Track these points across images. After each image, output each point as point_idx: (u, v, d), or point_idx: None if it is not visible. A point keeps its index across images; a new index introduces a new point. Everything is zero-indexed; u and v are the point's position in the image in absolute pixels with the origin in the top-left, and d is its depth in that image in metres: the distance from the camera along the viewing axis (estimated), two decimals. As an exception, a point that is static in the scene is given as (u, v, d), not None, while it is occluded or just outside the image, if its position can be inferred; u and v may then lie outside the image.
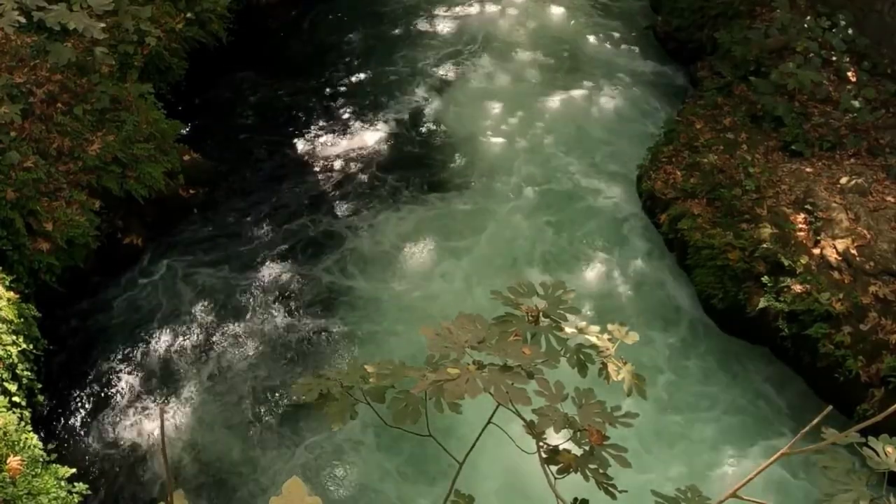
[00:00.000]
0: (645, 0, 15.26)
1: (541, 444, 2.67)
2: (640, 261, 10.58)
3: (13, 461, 6.51)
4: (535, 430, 2.64)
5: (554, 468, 2.66)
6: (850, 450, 2.54)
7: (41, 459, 7.07)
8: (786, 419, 8.88)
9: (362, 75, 13.63)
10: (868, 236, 9.23)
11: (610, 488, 2.62)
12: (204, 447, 8.61)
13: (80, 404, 8.89)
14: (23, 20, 8.08)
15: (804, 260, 9.23)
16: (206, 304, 9.95)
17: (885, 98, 11.20)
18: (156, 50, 11.45)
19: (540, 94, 13.20)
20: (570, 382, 2.89)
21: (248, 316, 9.87)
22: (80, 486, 7.12)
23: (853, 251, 9.12)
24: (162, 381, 9.18)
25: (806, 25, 11.90)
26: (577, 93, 13.22)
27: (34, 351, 8.21)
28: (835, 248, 9.22)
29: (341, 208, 11.28)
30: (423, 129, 12.59)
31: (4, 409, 7.26)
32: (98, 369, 9.21)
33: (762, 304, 9.17)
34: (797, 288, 9.06)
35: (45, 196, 9.34)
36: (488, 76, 13.63)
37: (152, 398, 9.02)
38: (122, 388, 9.07)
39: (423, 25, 14.74)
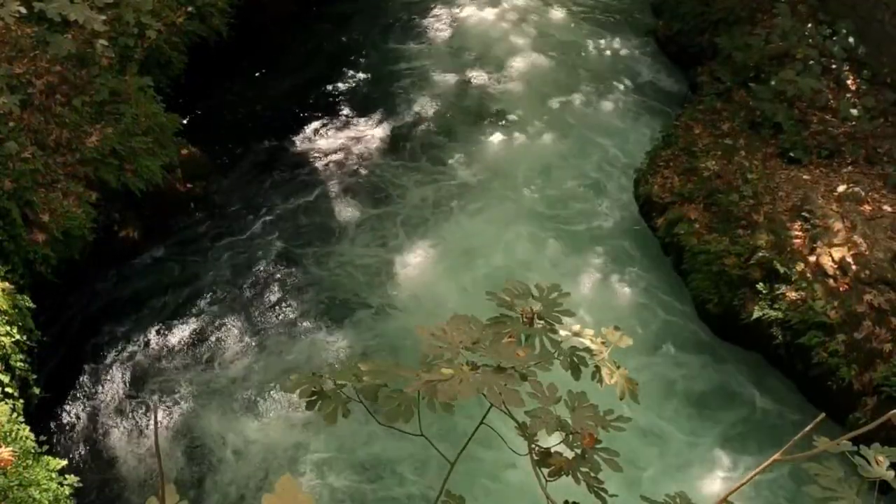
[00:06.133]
0: (646, 4, 15.27)
1: (533, 446, 2.67)
2: (636, 264, 10.59)
3: (5, 452, 6.49)
4: (527, 432, 2.64)
5: (545, 470, 2.66)
6: (841, 458, 2.54)
7: (33, 451, 7.06)
8: (777, 426, 8.89)
9: (362, 72, 13.63)
10: (864, 245, 9.24)
11: (601, 492, 2.62)
12: (197, 441, 8.60)
13: (73, 396, 8.88)
14: (23, 10, 8.08)
15: (800, 267, 9.23)
16: (201, 298, 9.94)
17: (885, 107, 11.21)
18: (156, 43, 11.43)
19: (539, 95, 13.21)
20: (563, 385, 2.89)
21: (244, 311, 9.87)
22: (72, 479, 7.11)
23: (849, 259, 9.13)
24: (156, 374, 9.18)
25: (807, 33, 11.91)
26: (576, 95, 13.22)
27: (28, 342, 8.19)
28: (831, 256, 9.23)
29: (339, 205, 11.28)
30: (422, 128, 12.59)
31: (-3, 400, 7.26)
32: (92, 362, 9.20)
33: (757, 312, 9.18)
34: (792, 295, 9.08)
35: (43, 187, 9.32)
36: (488, 78, 13.63)
37: (146, 391, 9.01)
38: (116, 381, 9.06)
39: (423, 24, 14.74)
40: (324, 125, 12.56)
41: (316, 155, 12.05)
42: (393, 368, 2.70)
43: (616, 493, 2.67)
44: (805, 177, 10.36)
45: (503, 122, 12.72)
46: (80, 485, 7.29)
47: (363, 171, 11.79)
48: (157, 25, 11.25)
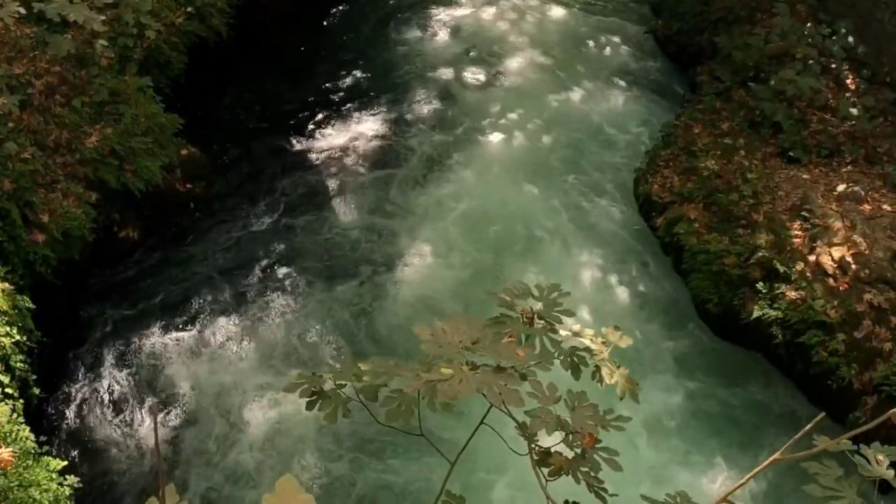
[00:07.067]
0: (645, 3, 15.27)
1: (533, 445, 2.67)
2: (636, 264, 10.58)
3: (5, 452, 6.48)
4: (527, 432, 2.64)
5: (545, 470, 2.66)
6: (841, 457, 2.54)
7: (33, 451, 7.06)
8: (777, 425, 8.89)
9: (362, 71, 13.62)
10: (864, 244, 9.25)
11: (601, 492, 2.63)
12: (196, 442, 8.60)
13: (73, 397, 8.87)
14: (23, 11, 8.08)
15: (799, 267, 9.23)
16: (202, 297, 9.94)
17: (884, 106, 11.21)
18: (155, 44, 11.43)
19: (539, 94, 13.20)
20: (563, 385, 2.89)
21: (244, 311, 9.86)
22: (72, 479, 7.10)
23: (849, 259, 9.13)
24: (156, 375, 9.17)
25: (806, 32, 11.91)
26: (575, 94, 13.22)
27: (28, 342, 8.19)
28: (830, 255, 9.23)
29: (339, 204, 11.28)
30: (422, 127, 12.59)
31: (-3, 400, 7.25)
32: (92, 362, 9.19)
33: (757, 311, 9.18)
34: (792, 295, 9.08)
35: (42, 187, 9.32)
36: (487, 77, 13.63)
37: (146, 392, 9.01)
38: (116, 382, 9.06)
39: (422, 23, 14.74)
40: (323, 124, 12.56)
41: (316, 153, 12.05)
42: (393, 368, 2.71)
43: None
44: (805, 176, 10.36)
45: (501, 119, 12.71)
46: (80, 485, 7.29)
47: (364, 170, 11.79)
48: (157, 26, 11.24)
